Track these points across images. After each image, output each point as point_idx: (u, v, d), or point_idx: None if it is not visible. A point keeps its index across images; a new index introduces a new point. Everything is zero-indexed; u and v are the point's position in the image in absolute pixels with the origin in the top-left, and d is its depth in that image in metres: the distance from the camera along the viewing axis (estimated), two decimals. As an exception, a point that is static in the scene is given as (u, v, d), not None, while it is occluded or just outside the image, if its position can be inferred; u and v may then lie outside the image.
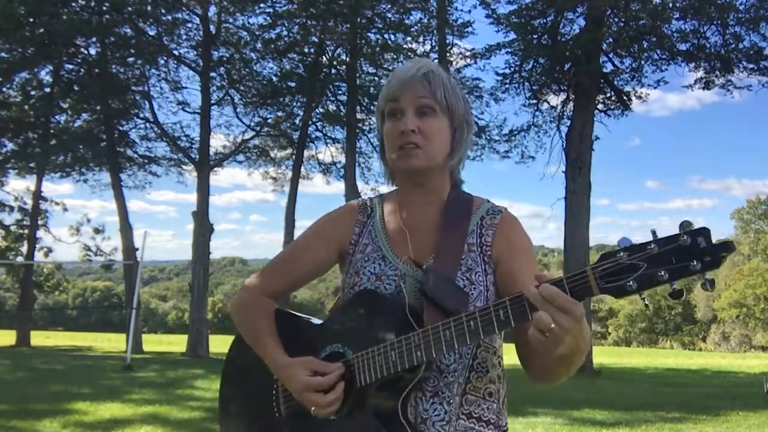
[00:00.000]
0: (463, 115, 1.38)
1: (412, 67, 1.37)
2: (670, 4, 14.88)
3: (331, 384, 1.24)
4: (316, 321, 1.46)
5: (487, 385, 1.32)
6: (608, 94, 16.42)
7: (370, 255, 1.38)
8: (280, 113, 19.55)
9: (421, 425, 1.25)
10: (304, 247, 1.47)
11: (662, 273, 0.97)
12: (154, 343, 25.57)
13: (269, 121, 19.68)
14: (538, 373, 1.27)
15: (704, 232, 0.96)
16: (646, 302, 1.04)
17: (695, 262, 0.95)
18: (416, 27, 17.57)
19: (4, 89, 19.61)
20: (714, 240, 0.95)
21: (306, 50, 18.58)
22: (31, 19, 16.95)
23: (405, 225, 1.39)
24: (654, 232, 0.98)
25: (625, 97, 16.33)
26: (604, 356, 23.17)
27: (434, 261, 1.31)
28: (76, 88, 19.64)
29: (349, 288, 1.38)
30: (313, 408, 1.24)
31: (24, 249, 22.20)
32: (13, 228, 22.13)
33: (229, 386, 1.57)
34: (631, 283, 0.99)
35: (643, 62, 15.83)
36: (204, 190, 18.51)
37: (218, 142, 23.51)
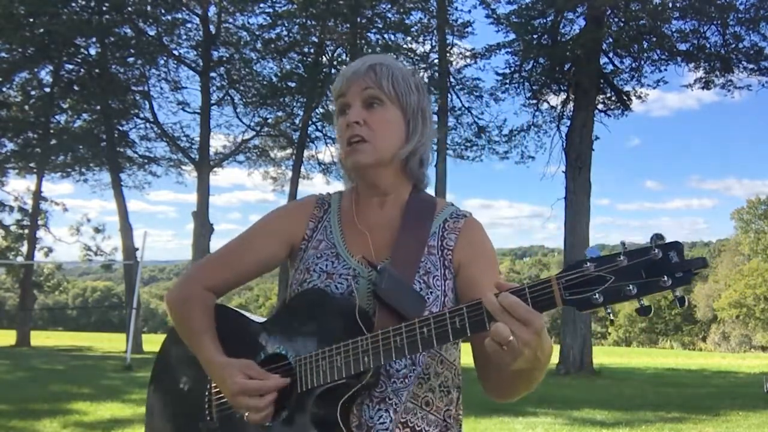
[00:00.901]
0: (416, 106, 1.31)
1: (359, 61, 1.33)
2: (670, 4, 14.88)
3: (268, 389, 1.16)
4: (259, 319, 1.36)
5: (426, 393, 1.23)
6: (608, 94, 16.43)
7: (323, 252, 1.31)
8: (280, 113, 19.56)
9: None
10: (250, 240, 1.37)
11: (630, 287, 0.91)
12: (154, 343, 25.49)
13: (269, 121, 19.70)
14: (495, 387, 1.21)
15: (677, 246, 0.90)
16: (612, 318, 0.98)
17: (666, 278, 0.90)
18: (416, 27, 17.57)
19: (4, 89, 19.62)
20: (686, 255, 0.90)
21: (306, 50, 18.58)
22: (31, 19, 16.96)
23: (363, 223, 1.32)
24: (623, 244, 0.93)
25: (624, 97, 16.33)
26: (604, 356, 23.18)
27: (391, 262, 1.23)
28: (76, 88, 19.65)
29: (297, 285, 1.29)
30: (246, 413, 1.17)
31: (24, 249, 22.21)
32: (13, 228, 22.14)
33: (159, 386, 1.46)
34: (597, 296, 0.93)
35: (643, 62, 15.84)
36: (204, 190, 18.52)
37: (218, 142, 23.56)
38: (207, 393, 1.33)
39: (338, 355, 1.13)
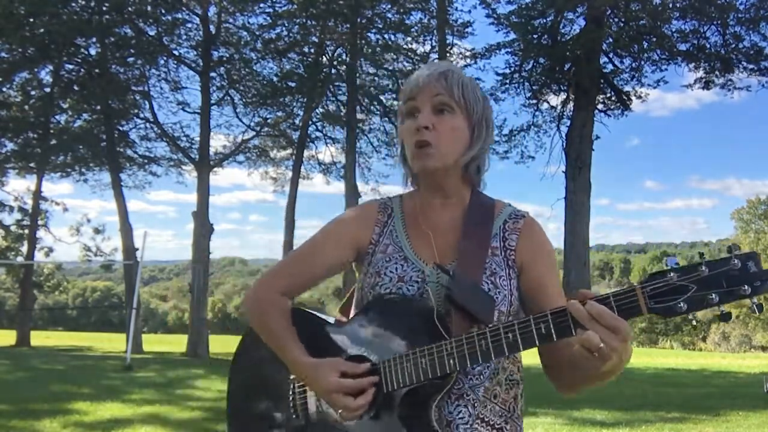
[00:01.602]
0: (481, 114, 1.38)
1: (430, 67, 1.37)
2: (670, 4, 14.89)
3: (362, 387, 1.21)
4: (331, 320, 1.43)
5: (495, 387, 1.30)
6: (608, 94, 16.44)
7: (391, 255, 1.35)
8: (280, 113, 19.56)
9: (446, 428, 1.24)
10: (320, 246, 1.42)
11: (713, 296, 0.98)
12: (154, 343, 25.55)
13: (269, 121, 19.69)
14: (569, 385, 1.27)
15: (754, 256, 0.97)
16: (695, 323, 1.04)
17: (746, 287, 0.97)
18: (416, 27, 17.58)
19: (4, 89, 19.61)
20: (764, 265, 0.98)
21: (306, 50, 18.58)
22: (31, 19, 16.95)
23: (427, 227, 1.37)
24: (702, 255, 1.00)
25: (624, 97, 16.34)
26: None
27: (458, 264, 1.28)
28: (76, 88, 19.63)
29: (369, 288, 1.34)
30: (340, 411, 1.22)
31: (24, 249, 22.19)
32: (13, 228, 22.12)
33: (239, 386, 1.52)
34: (681, 304, 0.99)
35: (643, 62, 15.85)
36: (204, 190, 18.52)
37: (218, 142, 23.51)
38: (291, 391, 1.37)
39: (422, 357, 1.18)
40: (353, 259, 1.42)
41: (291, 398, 1.37)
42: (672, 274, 1.00)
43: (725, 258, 0.98)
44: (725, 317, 0.99)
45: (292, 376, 1.37)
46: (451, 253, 1.32)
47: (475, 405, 1.26)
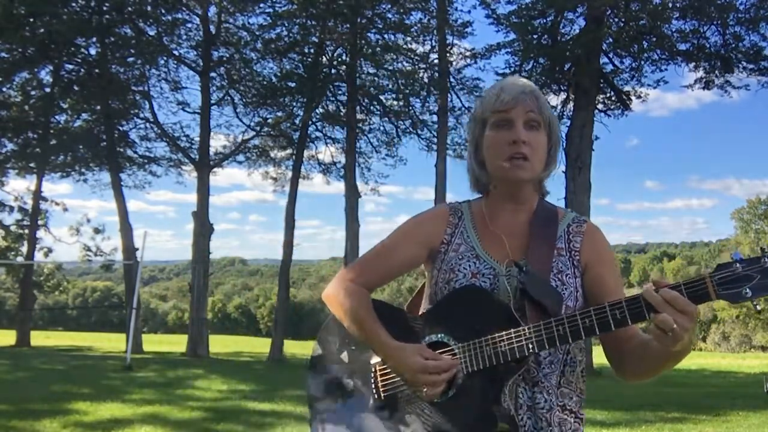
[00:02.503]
0: (558, 136, 1.50)
1: (520, 83, 1.48)
2: (670, 4, 14.88)
3: (445, 368, 1.32)
4: (406, 312, 1.55)
5: (577, 380, 1.42)
6: (608, 94, 16.43)
7: (463, 254, 1.47)
8: (280, 113, 19.53)
9: (528, 412, 1.35)
10: (395, 245, 1.54)
11: None
12: (154, 343, 25.55)
13: (269, 121, 19.67)
14: (638, 371, 1.39)
15: None
16: (758, 308, 1.18)
17: None
18: (416, 27, 17.56)
19: (4, 89, 19.60)
20: None
21: (306, 50, 18.56)
22: (31, 19, 16.95)
23: (497, 229, 1.48)
24: (763, 249, 1.13)
25: (624, 97, 16.34)
26: (604, 356, 23.14)
27: (527, 262, 1.39)
28: (76, 88, 19.62)
29: (443, 283, 1.45)
30: (425, 390, 1.33)
31: (24, 249, 22.17)
32: (13, 228, 22.09)
33: (321, 371, 1.61)
34: (746, 290, 1.14)
35: (643, 62, 15.84)
36: (204, 190, 18.51)
37: (218, 142, 23.53)
38: (372, 374, 1.49)
39: (501, 342, 1.31)
40: (426, 257, 1.53)
41: (373, 381, 1.48)
42: (737, 264, 1.15)
43: None
44: None
45: (373, 361, 1.49)
46: (520, 253, 1.44)
47: (550, 392, 1.37)
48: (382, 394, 1.46)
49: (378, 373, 1.48)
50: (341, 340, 1.57)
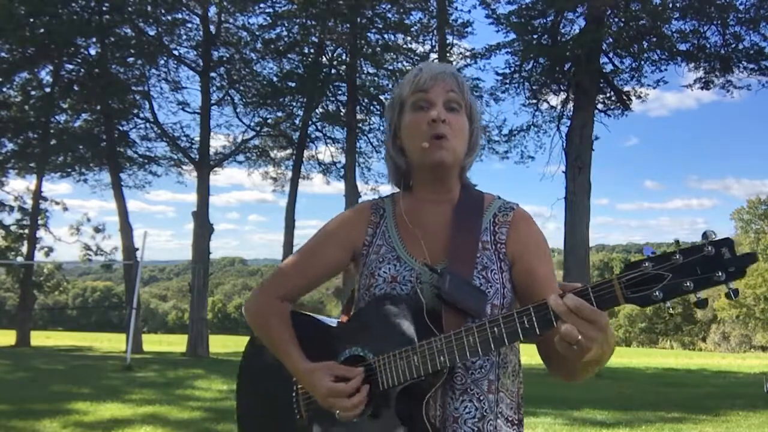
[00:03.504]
0: (478, 122, 1.41)
1: (440, 65, 1.39)
2: (670, 4, 14.88)
3: (354, 389, 1.24)
4: (332, 322, 1.47)
5: (503, 379, 1.32)
6: (608, 94, 16.43)
7: (384, 256, 1.37)
8: (280, 113, 19.54)
9: (454, 424, 1.25)
10: (317, 249, 1.45)
11: (688, 284, 0.98)
12: (154, 343, 25.56)
13: (269, 121, 19.67)
14: (561, 372, 1.29)
15: (728, 242, 0.97)
16: (671, 311, 1.04)
17: (720, 273, 0.96)
18: (416, 27, 17.56)
19: (4, 89, 19.59)
20: (737, 251, 0.98)
21: (306, 50, 18.58)
22: (31, 19, 16.94)
23: (418, 225, 1.37)
24: (677, 242, 1.01)
25: (624, 97, 16.33)
26: (604, 356, 23.08)
27: (449, 262, 1.30)
28: (76, 88, 19.61)
29: (364, 289, 1.36)
30: (338, 412, 1.25)
31: (24, 249, 22.17)
32: (13, 228, 22.08)
33: (247, 389, 1.56)
34: (657, 293, 1.00)
35: (643, 62, 15.84)
36: (204, 190, 18.51)
37: (218, 142, 23.51)
38: (294, 393, 1.42)
39: (414, 355, 1.20)
40: (350, 261, 1.44)
41: (295, 399, 1.42)
42: (647, 263, 1.00)
43: (699, 245, 0.98)
44: (702, 304, 1.00)
45: (295, 383, 1.42)
46: (441, 251, 1.33)
47: (481, 398, 1.26)
48: (304, 413, 1.39)
49: (299, 390, 1.41)
50: (267, 354, 1.47)
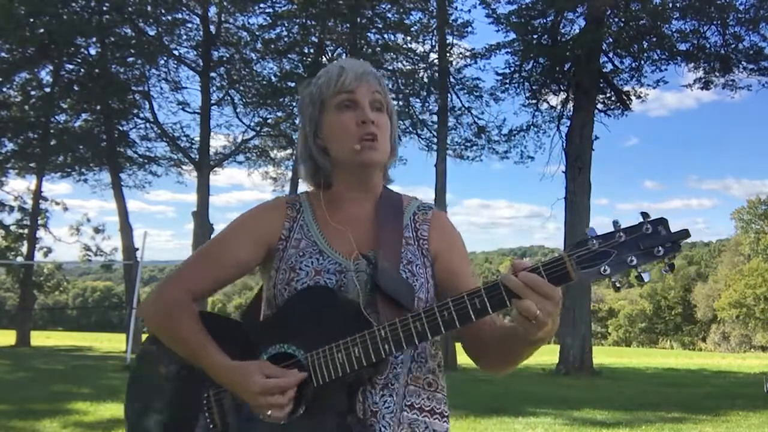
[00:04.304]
0: (396, 121, 1.42)
1: (360, 63, 1.38)
2: (670, 4, 14.89)
3: (290, 385, 1.18)
4: (243, 322, 1.41)
5: (426, 375, 1.30)
6: (608, 94, 16.43)
7: (305, 250, 1.32)
8: (280, 113, 19.55)
9: (372, 418, 1.22)
10: (228, 243, 1.37)
11: (631, 258, 1.06)
12: (154, 343, 25.48)
13: (269, 121, 19.69)
14: (499, 360, 1.30)
15: (663, 221, 1.06)
16: (617, 285, 1.11)
17: (659, 248, 1.05)
18: (416, 27, 17.55)
19: (4, 89, 19.60)
20: (672, 228, 1.07)
21: (306, 50, 18.58)
22: (31, 19, 16.95)
23: (341, 220, 1.35)
24: (616, 222, 1.07)
25: (624, 97, 16.34)
26: (604, 356, 23.18)
27: (378, 254, 1.28)
28: (76, 88, 19.63)
29: (283, 284, 1.29)
30: (269, 412, 1.17)
31: (24, 249, 22.18)
32: (13, 228, 22.09)
33: (142, 401, 1.41)
34: (605, 268, 1.06)
35: (643, 62, 15.85)
36: (204, 191, 18.52)
37: (218, 142, 23.52)
38: (205, 399, 1.30)
39: (355, 346, 1.17)
40: (263, 256, 1.36)
41: (206, 407, 1.30)
42: (593, 240, 1.07)
43: (638, 224, 1.06)
44: (641, 278, 1.08)
45: (204, 387, 1.30)
46: (366, 245, 1.32)
47: (398, 392, 1.25)
48: (218, 422, 1.29)
49: (211, 396, 1.30)
50: (166, 358, 1.36)
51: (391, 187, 1.45)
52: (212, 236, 1.42)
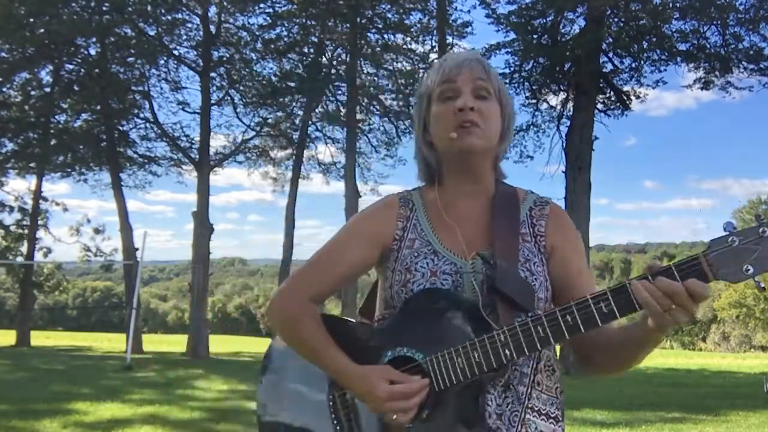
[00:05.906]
0: (511, 109, 1.36)
1: (465, 52, 1.36)
2: (670, 4, 14.88)
3: (414, 391, 1.17)
4: (362, 323, 1.41)
5: (537, 374, 1.27)
6: (608, 94, 16.43)
7: (419, 250, 1.30)
8: (280, 113, 19.55)
9: (497, 421, 1.21)
10: (343, 246, 1.37)
11: None
12: (154, 343, 25.53)
13: (269, 121, 19.68)
14: (616, 361, 1.25)
15: None
16: (762, 285, 1.03)
17: None
18: (416, 27, 17.58)
19: (4, 89, 19.60)
20: None
21: (306, 50, 18.59)
22: (31, 19, 16.94)
23: (453, 217, 1.32)
24: (759, 216, 0.99)
25: (624, 97, 16.34)
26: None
27: (493, 253, 1.26)
28: (76, 88, 19.62)
29: (399, 285, 1.28)
30: (395, 416, 1.17)
31: (24, 249, 22.18)
32: (13, 228, 22.09)
33: (271, 395, 1.45)
34: (748, 267, 0.98)
35: (642, 62, 15.84)
36: (204, 190, 18.51)
37: (218, 142, 23.51)
38: (331, 403, 1.33)
39: (474, 350, 1.15)
40: (379, 256, 1.35)
41: (332, 411, 1.33)
42: (733, 237, 0.99)
43: None
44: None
45: (329, 389, 1.34)
46: (480, 243, 1.29)
47: (521, 396, 1.23)
48: (344, 423, 1.31)
49: (337, 399, 1.32)
50: (292, 359, 1.38)
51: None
52: (329, 239, 1.41)
